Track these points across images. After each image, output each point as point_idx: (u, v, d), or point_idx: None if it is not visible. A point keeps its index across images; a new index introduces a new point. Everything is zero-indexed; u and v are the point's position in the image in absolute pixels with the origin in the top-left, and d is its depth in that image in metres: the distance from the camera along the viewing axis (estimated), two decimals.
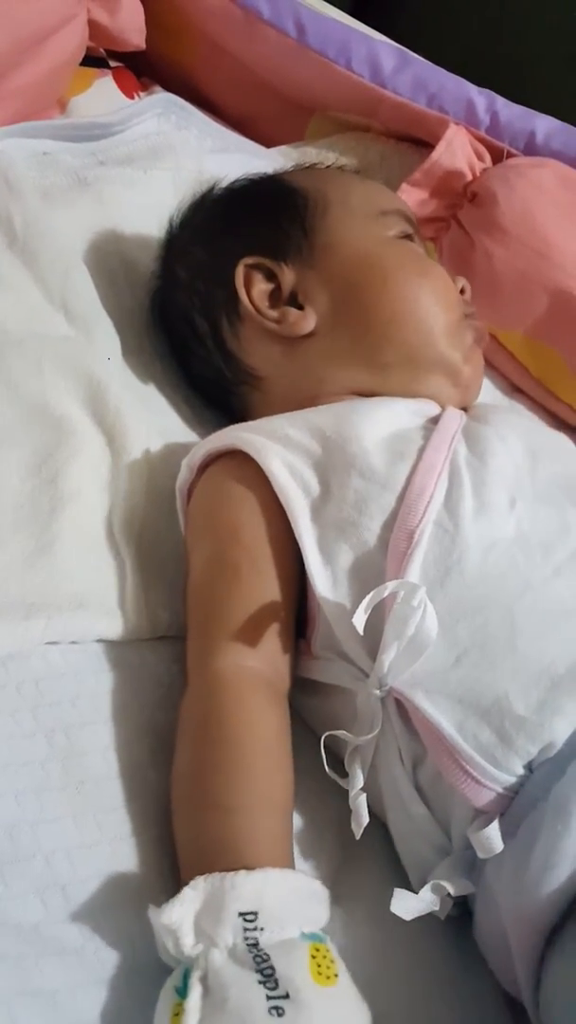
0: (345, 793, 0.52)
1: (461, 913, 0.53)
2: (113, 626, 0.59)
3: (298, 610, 0.57)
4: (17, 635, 0.55)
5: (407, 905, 0.48)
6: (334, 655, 0.55)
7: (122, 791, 0.52)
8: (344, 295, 0.66)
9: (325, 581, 0.55)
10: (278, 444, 0.58)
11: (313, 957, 0.43)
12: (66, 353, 0.68)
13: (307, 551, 0.55)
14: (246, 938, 0.43)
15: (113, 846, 0.50)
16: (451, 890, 0.49)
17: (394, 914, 0.47)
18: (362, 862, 0.55)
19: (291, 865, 0.49)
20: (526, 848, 0.46)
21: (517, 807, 0.48)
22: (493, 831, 0.47)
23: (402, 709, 0.52)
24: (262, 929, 0.43)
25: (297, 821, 0.55)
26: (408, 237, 0.69)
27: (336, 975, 0.44)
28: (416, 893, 0.48)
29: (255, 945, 0.43)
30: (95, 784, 0.52)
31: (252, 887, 0.44)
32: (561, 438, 0.70)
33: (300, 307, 0.66)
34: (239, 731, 0.51)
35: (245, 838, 0.47)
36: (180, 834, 0.50)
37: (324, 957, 0.44)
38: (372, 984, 0.46)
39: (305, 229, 0.67)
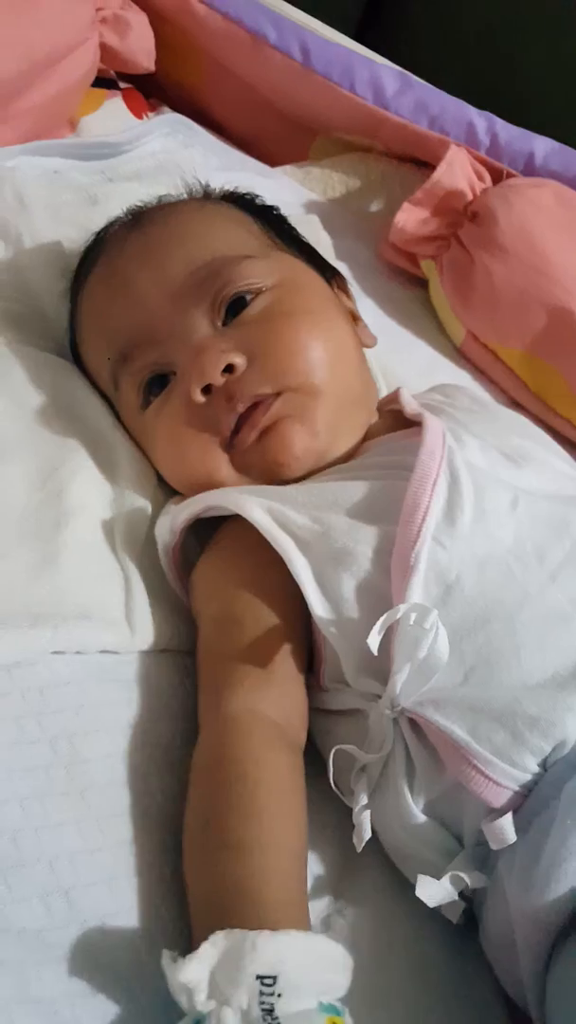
0: (341, 806, 0.53)
1: (464, 921, 0.53)
2: (116, 637, 0.59)
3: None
4: (23, 643, 0.56)
5: (431, 891, 0.48)
6: (342, 685, 0.56)
7: (123, 798, 0.53)
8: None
9: (326, 612, 0.55)
10: (259, 496, 0.59)
11: None
12: (68, 372, 0.70)
13: (305, 585, 0.55)
14: (262, 1003, 0.41)
15: (115, 852, 0.51)
16: (468, 881, 0.49)
17: (395, 921, 0.48)
18: (363, 869, 0.55)
19: (308, 920, 0.47)
20: (537, 844, 0.46)
21: (530, 804, 0.48)
22: (506, 822, 0.47)
23: (415, 725, 0.52)
24: (280, 995, 0.41)
25: None
26: (146, 373, 0.64)
27: None
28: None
29: (270, 1011, 0.41)
30: (98, 791, 0.53)
31: (274, 949, 0.42)
32: (528, 425, 0.70)
33: None
34: (252, 769, 0.50)
35: (261, 882, 0.46)
36: (193, 878, 0.49)
37: None
38: (373, 991, 0.46)
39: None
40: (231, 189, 0.74)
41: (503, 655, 0.52)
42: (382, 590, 0.54)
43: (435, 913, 0.52)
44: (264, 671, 0.54)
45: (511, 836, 0.47)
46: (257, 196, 0.74)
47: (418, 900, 0.49)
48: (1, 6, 0.79)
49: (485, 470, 0.59)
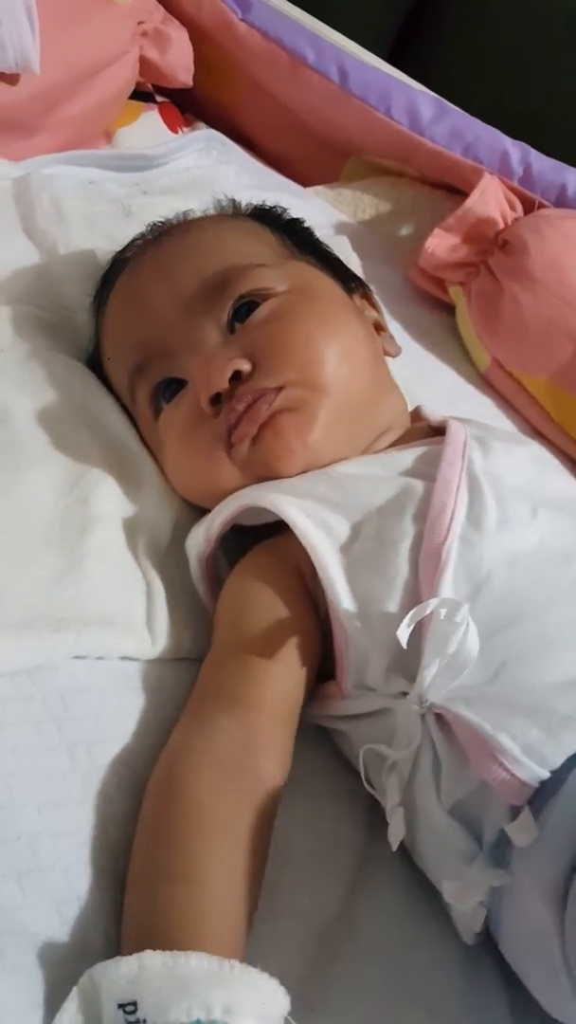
0: (356, 818, 0.53)
1: (479, 943, 0.53)
2: (138, 645, 0.60)
3: (322, 658, 0.58)
4: (47, 647, 0.56)
5: (456, 892, 0.48)
6: (366, 689, 0.56)
7: (137, 808, 0.52)
8: None
9: (354, 608, 0.55)
10: (296, 496, 0.59)
11: None
12: (96, 382, 0.70)
13: (334, 581, 0.55)
14: None
15: (127, 861, 0.50)
16: (494, 881, 0.48)
17: (408, 943, 0.48)
18: (375, 889, 0.55)
19: (235, 945, 0.46)
20: (549, 823, 0.45)
21: (541, 794, 0.47)
22: (527, 818, 0.46)
23: (443, 722, 0.51)
24: (144, 1020, 0.41)
25: (310, 846, 0.55)
26: (156, 381, 0.65)
27: None
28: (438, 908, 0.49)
29: None
30: (112, 800, 0.53)
31: (127, 975, 0.42)
32: (547, 453, 0.70)
33: None
34: (208, 801, 0.50)
35: (182, 911, 0.46)
36: (130, 895, 0.49)
37: None
38: (385, 1013, 0.46)
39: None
40: (255, 205, 0.75)
41: (533, 652, 0.52)
42: (412, 587, 0.54)
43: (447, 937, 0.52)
44: (254, 709, 0.54)
45: (534, 831, 0.46)
46: (284, 209, 0.75)
47: (430, 920, 0.49)
48: (45, 17, 0.80)
49: (505, 480, 0.59)
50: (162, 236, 0.69)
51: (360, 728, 0.57)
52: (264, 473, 0.61)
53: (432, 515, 0.56)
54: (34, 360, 0.69)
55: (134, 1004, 0.42)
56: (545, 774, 0.47)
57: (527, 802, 0.47)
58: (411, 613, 0.50)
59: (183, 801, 0.50)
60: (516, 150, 0.91)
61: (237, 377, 0.60)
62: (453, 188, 0.95)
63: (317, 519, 0.57)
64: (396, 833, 0.51)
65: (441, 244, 0.87)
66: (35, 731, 0.54)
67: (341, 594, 0.55)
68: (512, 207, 0.89)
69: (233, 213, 0.74)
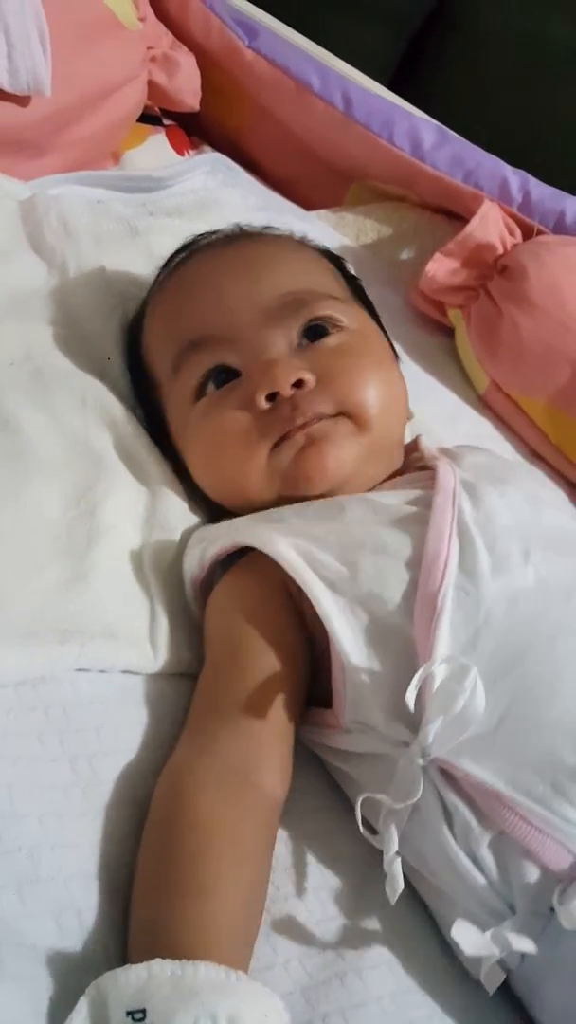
0: (361, 837, 0.52)
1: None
2: (140, 659, 0.60)
3: (316, 685, 0.58)
4: (51, 659, 0.56)
5: (468, 937, 0.47)
6: (364, 727, 0.55)
7: (138, 821, 0.53)
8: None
9: (356, 650, 0.55)
10: (287, 534, 0.59)
11: None
12: (105, 394, 0.71)
13: (335, 626, 0.55)
14: None
15: (128, 874, 0.51)
16: (514, 945, 0.47)
17: (413, 967, 0.47)
18: (378, 912, 0.54)
19: (218, 952, 0.46)
20: None
21: None
22: None
23: (447, 775, 0.51)
24: None
25: (308, 862, 0.55)
26: (207, 368, 0.66)
27: None
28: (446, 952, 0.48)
29: None
30: (113, 813, 0.53)
31: (136, 982, 0.43)
32: (544, 480, 0.71)
33: None
34: (205, 818, 0.50)
35: (192, 925, 0.46)
36: (137, 907, 0.49)
37: None
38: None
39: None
40: (323, 246, 0.78)
41: (538, 693, 0.51)
42: (407, 634, 0.54)
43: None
44: (251, 722, 0.54)
45: None
46: (345, 260, 0.78)
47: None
48: (57, 41, 0.82)
49: (497, 523, 0.59)
50: (240, 242, 0.72)
51: (360, 770, 0.56)
52: (288, 486, 0.63)
53: (426, 562, 0.56)
54: (45, 372, 0.70)
55: (143, 1011, 0.42)
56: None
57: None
58: (418, 674, 0.50)
59: (191, 816, 0.50)
60: (516, 177, 0.93)
61: (298, 385, 0.63)
62: (454, 214, 0.96)
63: (310, 559, 0.58)
64: (394, 886, 0.50)
65: (441, 268, 0.89)
66: (37, 741, 0.54)
67: (345, 641, 0.55)
68: (511, 233, 0.91)
69: (304, 243, 0.76)
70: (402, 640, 0.54)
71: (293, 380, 0.63)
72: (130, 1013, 0.42)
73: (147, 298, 0.74)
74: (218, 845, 0.49)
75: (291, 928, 0.52)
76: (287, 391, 0.63)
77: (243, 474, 0.63)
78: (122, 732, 0.57)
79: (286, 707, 0.56)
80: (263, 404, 0.63)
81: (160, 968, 0.43)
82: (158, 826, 0.51)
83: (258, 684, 0.56)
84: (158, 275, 0.74)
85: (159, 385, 0.70)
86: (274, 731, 0.55)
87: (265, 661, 0.57)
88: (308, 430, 0.62)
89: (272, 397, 0.63)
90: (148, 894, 0.49)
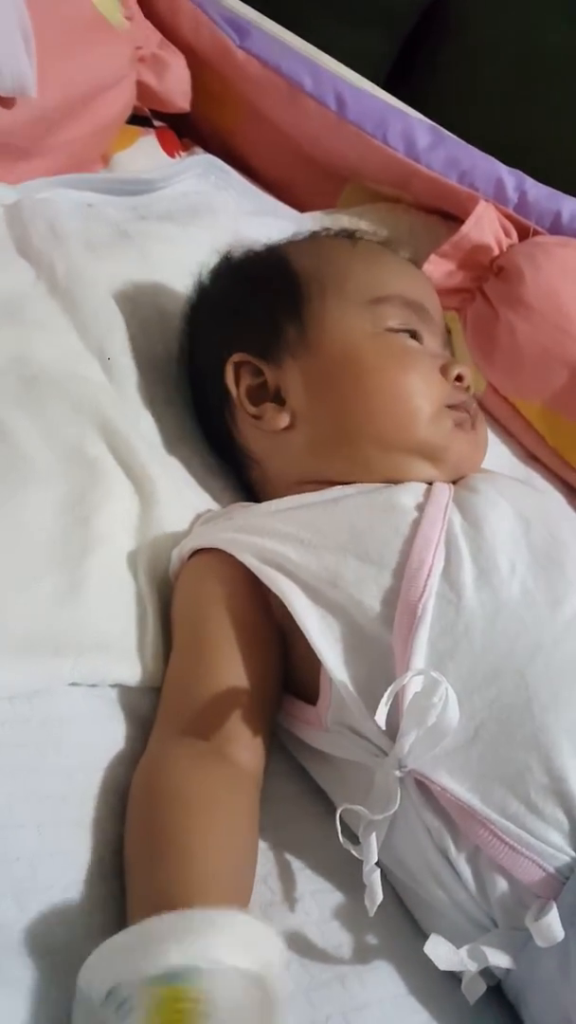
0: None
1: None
2: (131, 671, 0.60)
3: (307, 681, 0.58)
4: (46, 672, 0.56)
5: (440, 953, 0.47)
6: (346, 730, 0.55)
7: None
8: (321, 391, 0.67)
9: (335, 660, 0.54)
10: (265, 538, 0.60)
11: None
12: (101, 400, 0.70)
13: (312, 633, 0.55)
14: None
15: (123, 882, 0.50)
16: (491, 960, 0.47)
17: (412, 971, 0.47)
18: (377, 915, 0.53)
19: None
20: None
21: (570, 892, 0.47)
22: (553, 919, 0.45)
23: (423, 788, 0.51)
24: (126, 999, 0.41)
25: (307, 865, 0.55)
26: (405, 326, 0.68)
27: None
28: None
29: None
30: (109, 824, 0.53)
31: (95, 959, 0.43)
32: (546, 499, 0.72)
33: (283, 401, 0.68)
34: (185, 789, 0.51)
35: (185, 885, 0.46)
36: (130, 883, 0.50)
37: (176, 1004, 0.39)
38: None
39: (296, 324, 0.68)
40: None
41: (514, 709, 0.51)
42: (384, 642, 0.54)
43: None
44: (214, 712, 0.55)
45: (559, 933, 0.45)
46: None
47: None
48: (43, 42, 0.81)
49: (485, 535, 0.59)
50: (386, 243, 0.77)
51: (337, 773, 0.56)
52: (443, 455, 0.66)
53: (410, 571, 0.56)
54: (37, 379, 0.69)
55: (114, 987, 0.41)
56: (550, 853, 0.47)
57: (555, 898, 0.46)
58: (388, 691, 0.49)
59: (166, 787, 0.51)
60: (511, 177, 0.92)
61: (459, 379, 0.68)
62: (449, 215, 0.96)
63: (276, 561, 0.58)
64: (373, 897, 0.49)
65: (437, 270, 0.88)
66: (34, 753, 0.54)
67: (317, 639, 0.55)
68: (507, 234, 0.90)
69: None
70: (380, 649, 0.54)
71: (460, 371, 0.69)
72: (108, 994, 0.41)
73: (313, 234, 0.78)
74: (196, 808, 0.50)
75: (291, 930, 0.52)
76: (464, 382, 0.68)
77: (428, 399, 0.65)
78: (114, 746, 0.57)
79: (256, 688, 0.56)
80: (452, 375, 0.67)
81: (112, 940, 0.43)
82: (137, 805, 0.52)
83: (224, 668, 0.56)
84: (347, 234, 0.76)
85: (321, 294, 0.69)
86: (244, 710, 0.55)
87: (227, 643, 0.57)
88: (473, 416, 0.68)
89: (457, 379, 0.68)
90: (135, 869, 0.49)
